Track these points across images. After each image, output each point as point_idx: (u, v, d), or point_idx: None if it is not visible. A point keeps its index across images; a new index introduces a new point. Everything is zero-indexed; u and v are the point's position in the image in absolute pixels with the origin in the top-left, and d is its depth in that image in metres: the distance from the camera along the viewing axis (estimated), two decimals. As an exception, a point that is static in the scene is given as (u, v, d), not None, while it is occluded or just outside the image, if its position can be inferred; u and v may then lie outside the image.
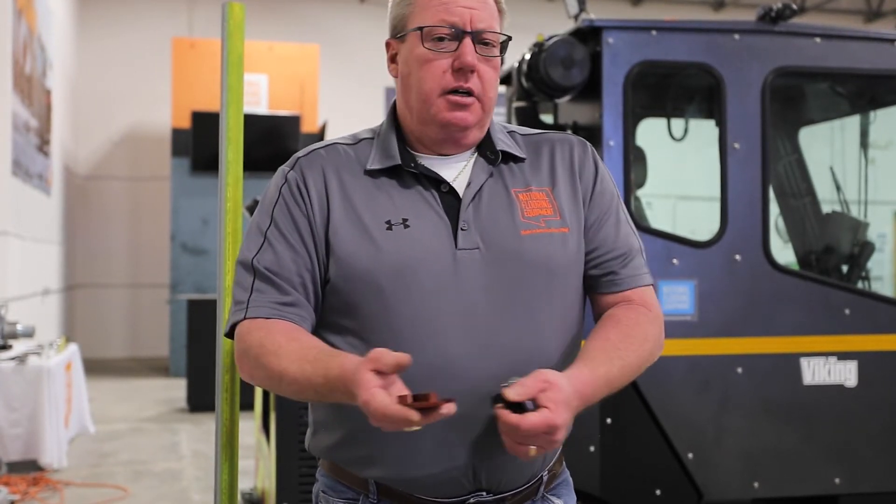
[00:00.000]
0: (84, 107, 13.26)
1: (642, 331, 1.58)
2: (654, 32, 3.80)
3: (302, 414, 3.57)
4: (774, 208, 4.41)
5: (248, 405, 3.97)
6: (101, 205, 13.51)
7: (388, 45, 1.67)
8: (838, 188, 4.54)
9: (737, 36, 3.86)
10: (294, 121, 11.31)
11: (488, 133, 1.64)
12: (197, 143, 10.94)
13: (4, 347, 6.22)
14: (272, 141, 11.06)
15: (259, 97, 11.41)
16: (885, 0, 16.37)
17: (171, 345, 11.22)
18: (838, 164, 4.63)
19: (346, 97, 13.71)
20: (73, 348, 7.08)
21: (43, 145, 9.71)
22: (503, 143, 1.64)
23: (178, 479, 6.14)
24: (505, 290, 1.52)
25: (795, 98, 4.58)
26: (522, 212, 1.58)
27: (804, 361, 3.82)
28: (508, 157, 1.64)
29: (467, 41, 1.54)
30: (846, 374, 3.86)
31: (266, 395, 4.17)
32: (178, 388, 9.74)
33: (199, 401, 8.58)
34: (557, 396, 1.34)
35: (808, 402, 3.84)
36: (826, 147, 4.80)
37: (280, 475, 3.55)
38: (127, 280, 13.58)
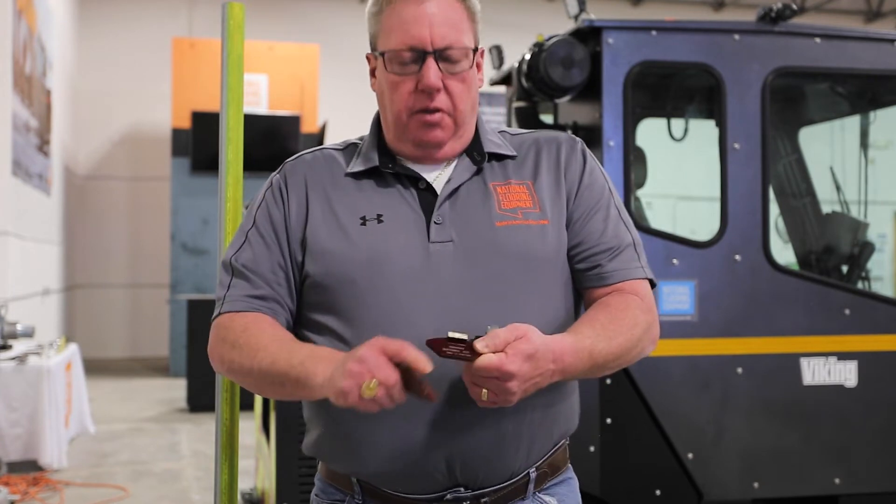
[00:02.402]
0: (84, 107, 13.26)
1: (632, 315, 1.55)
2: (654, 32, 3.80)
3: (302, 414, 3.57)
4: (774, 208, 4.41)
5: (248, 405, 3.97)
6: (101, 205, 13.51)
7: (368, 58, 1.66)
8: (838, 188, 4.54)
9: (737, 36, 3.86)
10: (294, 121, 11.32)
11: (477, 136, 1.65)
12: (197, 142, 10.94)
13: (4, 347, 6.22)
14: (272, 141, 11.07)
15: (259, 97, 11.41)
16: (885, 0, 16.37)
17: (171, 345, 11.23)
18: (838, 164, 4.63)
19: (346, 97, 13.69)
20: (73, 348, 7.08)
21: (43, 145, 9.71)
22: (492, 143, 1.65)
23: (178, 479, 6.14)
24: (479, 283, 1.52)
25: (795, 98, 4.58)
26: (499, 203, 1.58)
27: (804, 361, 3.82)
28: (494, 157, 1.64)
29: (429, 62, 1.53)
30: (846, 374, 3.86)
31: (266, 395, 4.17)
32: (178, 388, 9.75)
33: (199, 401, 8.59)
34: (520, 346, 1.34)
35: (808, 403, 3.84)
36: (826, 147, 4.80)
37: (280, 475, 3.55)
38: (127, 280, 13.58)
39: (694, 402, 3.76)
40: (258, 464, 4.54)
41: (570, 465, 1.70)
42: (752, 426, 3.80)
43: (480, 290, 1.52)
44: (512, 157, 1.65)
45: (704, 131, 4.21)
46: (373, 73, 1.65)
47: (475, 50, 1.59)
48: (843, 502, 3.89)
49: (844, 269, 4.39)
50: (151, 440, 7.42)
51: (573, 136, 1.71)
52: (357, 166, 1.63)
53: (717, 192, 3.86)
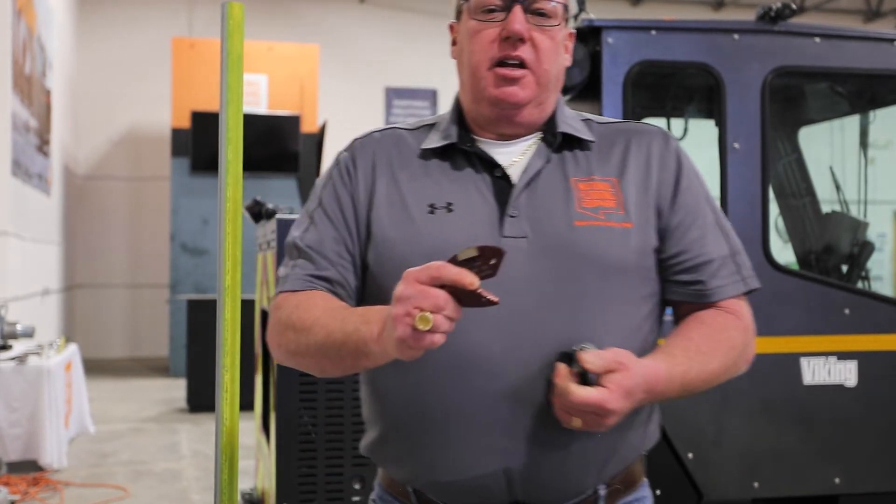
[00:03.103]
0: (84, 107, 13.26)
1: (729, 336, 1.46)
2: (653, 32, 3.80)
3: (302, 414, 3.57)
4: (774, 208, 4.41)
5: (248, 405, 3.97)
6: (101, 205, 13.52)
7: (451, 27, 1.58)
8: (838, 188, 4.54)
9: (736, 36, 3.86)
10: (294, 121, 11.32)
11: (554, 114, 1.53)
12: (197, 143, 10.95)
13: (4, 347, 6.22)
14: (272, 141, 11.08)
15: (259, 97, 11.42)
16: (885, 0, 16.36)
17: (171, 345, 11.23)
18: (838, 163, 4.63)
19: (346, 97, 13.71)
20: (72, 348, 7.08)
21: (43, 145, 9.70)
22: (568, 126, 1.52)
23: (178, 479, 6.14)
24: (552, 285, 1.39)
25: (795, 98, 4.58)
26: (580, 201, 1.45)
27: (804, 361, 3.82)
28: (574, 143, 1.52)
29: (516, 9, 1.44)
30: (846, 373, 3.86)
31: (266, 394, 4.16)
32: (177, 388, 9.75)
33: (199, 401, 8.59)
34: (623, 382, 1.25)
35: (808, 402, 3.84)
36: (826, 147, 4.79)
37: (280, 475, 3.55)
38: (127, 280, 13.58)
39: (694, 402, 3.76)
40: (258, 464, 4.54)
41: (645, 479, 1.59)
42: (752, 426, 3.80)
43: (553, 293, 1.39)
44: (589, 144, 1.52)
45: (704, 131, 4.21)
46: (453, 42, 1.57)
47: (566, 8, 1.50)
48: (843, 502, 3.88)
49: (844, 268, 4.39)
50: (151, 440, 7.42)
51: (666, 131, 1.60)
52: (433, 142, 1.52)
53: (716, 192, 3.86)
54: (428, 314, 1.16)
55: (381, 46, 14.22)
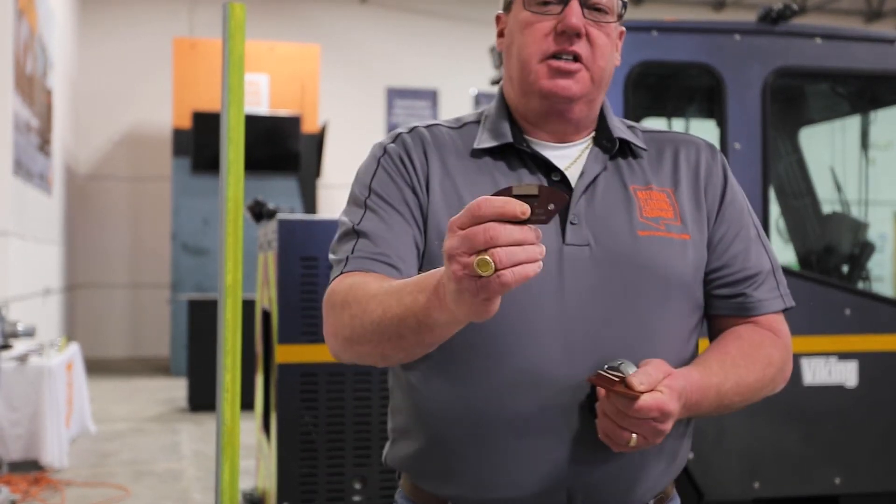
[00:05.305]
0: (85, 107, 13.27)
1: (766, 353, 1.43)
2: (654, 33, 3.80)
3: (303, 414, 3.57)
4: (775, 208, 4.41)
5: (248, 405, 3.98)
6: (102, 205, 13.52)
7: (497, 18, 1.52)
8: (839, 188, 4.54)
9: (737, 36, 3.86)
10: (294, 121, 11.33)
11: (605, 118, 1.50)
12: (198, 143, 10.96)
13: (5, 347, 6.22)
14: (273, 141, 11.10)
15: (260, 97, 11.42)
16: (886, 0, 16.37)
17: (172, 345, 11.23)
18: (839, 164, 4.63)
19: (347, 97, 13.72)
20: (73, 348, 7.09)
21: (44, 145, 9.71)
22: (621, 130, 1.49)
23: (178, 479, 6.14)
24: (614, 295, 1.36)
25: (796, 98, 4.58)
26: (641, 211, 1.41)
27: (804, 362, 3.82)
28: (627, 150, 1.49)
29: (574, 3, 1.39)
30: (846, 374, 3.86)
31: (267, 394, 4.17)
32: (178, 388, 9.75)
33: (200, 401, 8.60)
34: (673, 384, 1.23)
35: (808, 403, 3.84)
36: (826, 147, 4.80)
37: (281, 475, 3.56)
38: (128, 280, 13.59)
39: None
40: (259, 464, 4.54)
41: (675, 488, 1.59)
42: (752, 426, 3.80)
43: (614, 304, 1.36)
44: (642, 153, 1.49)
45: (705, 132, 4.22)
46: (500, 34, 1.51)
47: (623, 5, 1.46)
48: (844, 502, 3.89)
49: (845, 269, 4.39)
50: (152, 440, 7.42)
51: (711, 143, 1.57)
52: (485, 142, 1.45)
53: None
54: (485, 256, 1.00)
55: (383, 47, 14.23)
